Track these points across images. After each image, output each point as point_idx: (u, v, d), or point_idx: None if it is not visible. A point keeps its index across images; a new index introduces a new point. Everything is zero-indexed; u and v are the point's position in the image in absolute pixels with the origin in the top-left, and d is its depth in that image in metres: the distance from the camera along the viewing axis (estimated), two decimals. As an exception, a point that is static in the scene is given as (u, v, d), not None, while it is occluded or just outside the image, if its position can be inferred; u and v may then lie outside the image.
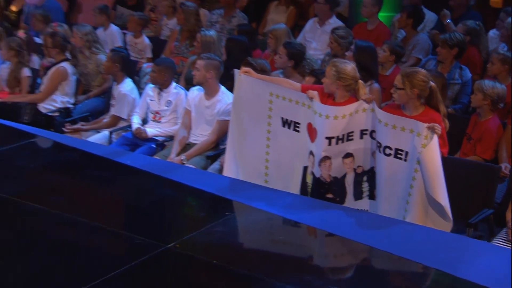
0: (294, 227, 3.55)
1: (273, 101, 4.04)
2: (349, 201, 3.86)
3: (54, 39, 5.80)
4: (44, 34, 6.04)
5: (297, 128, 3.98)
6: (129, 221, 3.60)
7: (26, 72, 5.92)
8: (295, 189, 3.98)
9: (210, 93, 4.81)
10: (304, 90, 3.95)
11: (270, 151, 4.14)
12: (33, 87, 5.97)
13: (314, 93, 3.83)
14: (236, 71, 4.19)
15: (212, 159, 4.72)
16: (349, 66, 3.83)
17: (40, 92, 5.84)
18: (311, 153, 3.86)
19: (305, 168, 3.93)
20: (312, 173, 3.85)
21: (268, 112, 4.08)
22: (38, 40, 6.49)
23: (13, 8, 7.77)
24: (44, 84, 5.82)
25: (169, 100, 5.14)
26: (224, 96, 4.77)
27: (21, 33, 6.58)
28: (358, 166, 3.84)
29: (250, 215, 3.61)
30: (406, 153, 3.58)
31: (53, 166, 4.34)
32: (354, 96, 3.84)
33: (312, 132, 3.85)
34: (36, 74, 6.05)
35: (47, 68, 5.93)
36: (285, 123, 4.03)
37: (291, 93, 3.97)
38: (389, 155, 3.64)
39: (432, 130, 3.43)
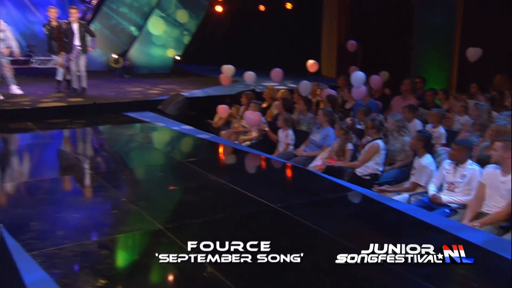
0: None
1: None
2: None
3: (373, 122, 5.35)
4: (366, 119, 5.67)
5: None
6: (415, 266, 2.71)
7: (349, 146, 5.57)
8: None
9: (507, 170, 3.62)
10: None
11: None
12: (353, 157, 5.58)
13: None
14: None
15: (505, 229, 3.47)
16: None
17: (358, 161, 5.39)
18: None
19: None
20: None
21: None
22: (359, 126, 6.20)
23: (346, 106, 7.73)
24: (362, 155, 5.37)
25: (464, 174, 4.07)
26: (522, 174, 3.53)
27: (349, 120, 6.38)
28: None
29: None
30: None
31: (362, 212, 3.92)
32: None
33: None
34: (356, 148, 5.67)
35: (365, 144, 5.51)
36: None
37: None
38: None
39: None
